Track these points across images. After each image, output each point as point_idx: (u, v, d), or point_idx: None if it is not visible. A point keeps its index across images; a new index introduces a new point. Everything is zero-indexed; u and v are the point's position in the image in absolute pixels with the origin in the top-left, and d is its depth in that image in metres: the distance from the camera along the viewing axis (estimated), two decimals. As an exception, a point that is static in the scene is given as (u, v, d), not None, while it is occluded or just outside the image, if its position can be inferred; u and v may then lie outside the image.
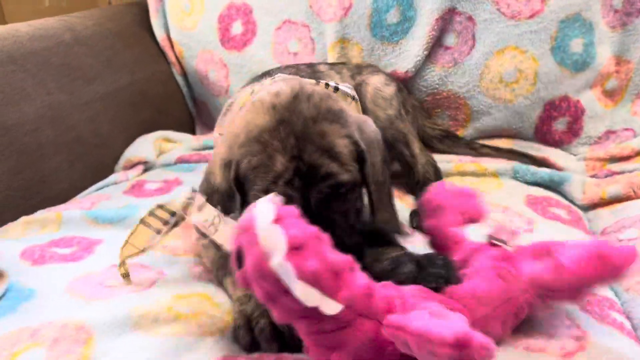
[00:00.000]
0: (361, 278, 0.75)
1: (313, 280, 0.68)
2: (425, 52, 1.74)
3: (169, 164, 1.81)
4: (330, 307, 0.69)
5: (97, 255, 1.19)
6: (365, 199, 1.05)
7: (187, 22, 2.08)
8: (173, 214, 1.03)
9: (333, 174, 0.93)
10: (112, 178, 1.68)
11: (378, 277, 0.81)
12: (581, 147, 1.75)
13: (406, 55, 1.76)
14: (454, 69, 1.74)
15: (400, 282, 0.83)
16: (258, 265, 0.68)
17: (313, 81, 1.19)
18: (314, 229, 0.72)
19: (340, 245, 0.76)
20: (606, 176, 1.57)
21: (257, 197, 0.81)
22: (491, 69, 1.71)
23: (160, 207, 1.04)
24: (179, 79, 2.16)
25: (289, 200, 0.84)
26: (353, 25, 1.81)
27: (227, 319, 0.95)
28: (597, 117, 1.75)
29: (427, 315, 0.68)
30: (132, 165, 1.78)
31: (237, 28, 2.00)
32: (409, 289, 0.81)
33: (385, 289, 0.78)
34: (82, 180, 1.66)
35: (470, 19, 1.70)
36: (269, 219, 0.69)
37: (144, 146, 1.85)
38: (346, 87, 1.25)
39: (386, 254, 0.99)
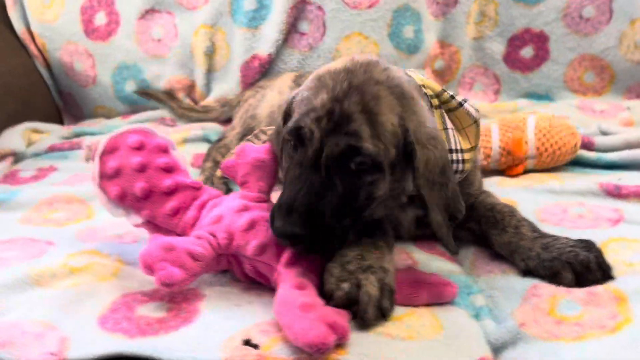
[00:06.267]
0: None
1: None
2: (283, 37, 1.94)
3: (39, 153, 1.82)
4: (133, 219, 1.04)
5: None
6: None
7: (47, 14, 2.09)
8: None
9: (359, 136, 0.87)
10: (-18, 171, 1.67)
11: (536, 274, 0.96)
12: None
13: (266, 39, 1.96)
14: (310, 53, 1.97)
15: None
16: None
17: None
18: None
19: (323, 225, 0.85)
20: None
21: (289, 130, 0.90)
22: (341, 52, 1.96)
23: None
24: (43, 71, 2.15)
25: (309, 139, 0.88)
26: (215, 12, 1.98)
27: (117, 265, 1.07)
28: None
29: None
30: (0, 158, 1.77)
31: (100, 19, 2.06)
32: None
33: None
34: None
35: (320, 8, 1.94)
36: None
37: (12, 138, 1.84)
38: (472, 107, 1.10)
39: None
